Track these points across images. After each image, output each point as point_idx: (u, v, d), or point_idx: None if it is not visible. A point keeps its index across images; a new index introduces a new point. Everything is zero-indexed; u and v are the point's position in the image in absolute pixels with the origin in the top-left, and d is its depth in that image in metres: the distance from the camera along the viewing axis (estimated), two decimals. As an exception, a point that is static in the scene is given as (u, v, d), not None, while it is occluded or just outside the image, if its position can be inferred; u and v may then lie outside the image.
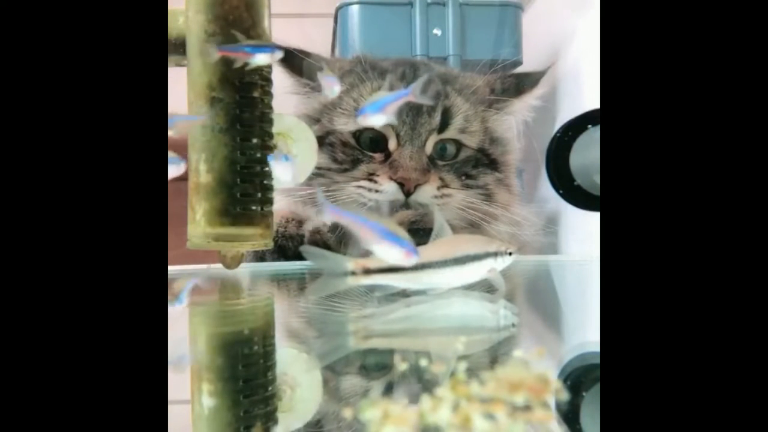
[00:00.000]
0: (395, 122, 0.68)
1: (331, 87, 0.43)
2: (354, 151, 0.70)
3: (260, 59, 0.43)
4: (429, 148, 0.70)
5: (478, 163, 0.73)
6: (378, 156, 0.69)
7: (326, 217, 0.32)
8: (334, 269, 0.34)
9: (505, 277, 0.38)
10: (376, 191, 0.66)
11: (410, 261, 0.30)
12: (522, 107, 0.78)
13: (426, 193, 0.66)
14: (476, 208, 0.69)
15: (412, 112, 0.69)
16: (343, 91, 0.71)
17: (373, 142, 0.70)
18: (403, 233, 0.30)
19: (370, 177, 0.67)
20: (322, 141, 0.70)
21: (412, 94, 0.37)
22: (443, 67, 0.80)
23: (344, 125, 0.71)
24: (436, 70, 0.76)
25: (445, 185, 0.68)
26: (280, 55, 0.43)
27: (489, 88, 0.76)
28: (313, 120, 0.71)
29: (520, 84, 0.77)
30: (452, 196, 0.69)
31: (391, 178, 0.66)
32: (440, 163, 0.70)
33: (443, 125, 0.70)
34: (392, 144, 0.69)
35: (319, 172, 0.69)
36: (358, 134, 0.70)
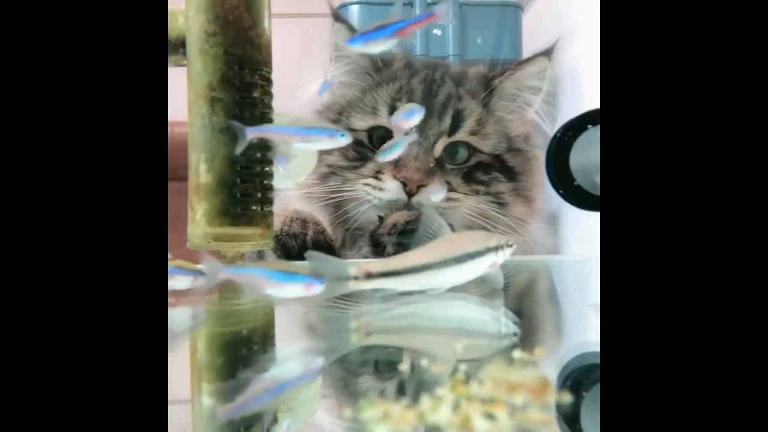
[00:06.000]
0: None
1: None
2: (365, 150, 0.70)
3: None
4: (438, 150, 0.69)
5: (491, 170, 0.71)
6: None
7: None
8: (336, 274, 0.34)
9: (506, 277, 0.38)
10: (380, 189, 0.67)
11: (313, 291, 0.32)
12: (525, 89, 0.74)
13: (429, 194, 0.66)
14: (486, 215, 0.68)
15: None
16: (363, 90, 0.72)
17: (384, 141, 0.69)
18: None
19: (377, 175, 0.68)
20: None
21: None
22: (458, 67, 0.80)
23: (360, 123, 0.71)
24: (450, 71, 0.75)
25: (451, 189, 0.68)
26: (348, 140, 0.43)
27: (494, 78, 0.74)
28: (332, 121, 0.72)
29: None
30: (459, 201, 0.68)
31: (395, 177, 0.66)
32: (449, 166, 0.70)
33: (453, 128, 0.70)
34: None
35: (332, 171, 0.70)
36: (371, 132, 0.71)
